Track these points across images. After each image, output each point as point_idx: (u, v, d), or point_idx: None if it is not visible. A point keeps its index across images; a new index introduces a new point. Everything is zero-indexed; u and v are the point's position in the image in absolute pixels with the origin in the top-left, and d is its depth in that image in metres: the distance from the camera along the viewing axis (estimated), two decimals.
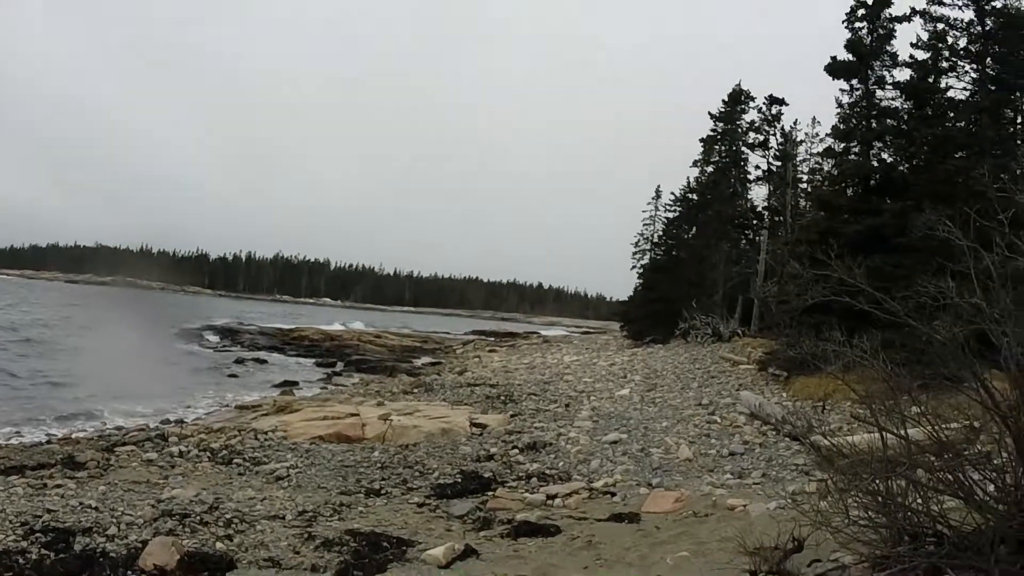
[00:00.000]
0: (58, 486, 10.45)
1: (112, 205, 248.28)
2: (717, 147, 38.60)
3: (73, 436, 15.18)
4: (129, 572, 7.48)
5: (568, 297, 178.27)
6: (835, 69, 24.19)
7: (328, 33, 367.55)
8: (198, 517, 9.33)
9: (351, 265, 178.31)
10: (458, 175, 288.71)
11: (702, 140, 39.09)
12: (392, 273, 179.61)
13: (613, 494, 11.32)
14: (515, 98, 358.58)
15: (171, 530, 8.76)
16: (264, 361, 34.70)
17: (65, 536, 8.27)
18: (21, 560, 7.53)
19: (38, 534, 8.30)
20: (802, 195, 36.06)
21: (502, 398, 20.45)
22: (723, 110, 38.11)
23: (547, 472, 12.67)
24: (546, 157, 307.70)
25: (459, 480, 12.09)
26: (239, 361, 34.20)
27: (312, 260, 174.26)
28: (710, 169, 38.95)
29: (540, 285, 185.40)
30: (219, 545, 8.43)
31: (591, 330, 75.86)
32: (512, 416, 17.55)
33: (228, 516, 9.49)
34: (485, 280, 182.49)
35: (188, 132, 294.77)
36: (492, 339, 56.15)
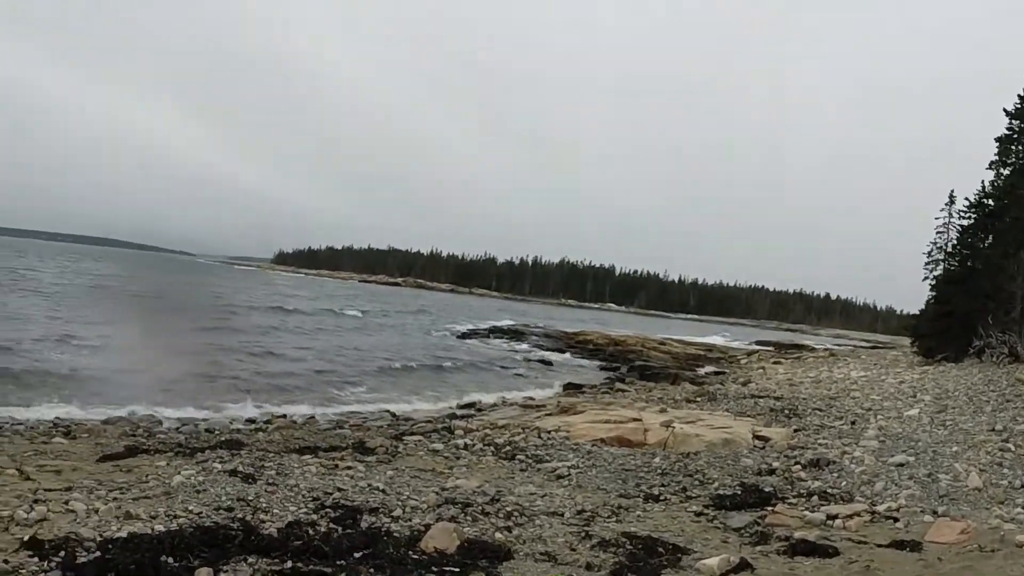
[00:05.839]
0: (348, 468, 11.13)
1: (403, 210, 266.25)
2: (1014, 147, 35.13)
3: (365, 423, 16.51)
4: (410, 552, 7.82)
5: (856, 309, 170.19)
6: None
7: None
8: (479, 507, 9.65)
9: (635, 271, 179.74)
10: (746, 189, 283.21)
11: (997, 139, 35.65)
12: (676, 280, 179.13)
13: (896, 519, 10.77)
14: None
15: (453, 517, 9.12)
16: (548, 362, 35.52)
17: (352, 513, 8.86)
18: (311, 531, 8.12)
19: (328, 509, 8.96)
20: None
21: (786, 411, 19.85)
22: (1019, 106, 34.59)
23: (829, 491, 12.18)
24: (837, 171, 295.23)
25: (739, 492, 11.89)
26: (524, 361, 35.43)
27: (598, 266, 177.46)
28: (1006, 172, 35.53)
29: (827, 296, 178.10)
30: (498, 535, 8.65)
31: (880, 344, 71.32)
32: (796, 431, 17.04)
33: (508, 509, 9.72)
34: (771, 289, 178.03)
35: (475, 138, 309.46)
36: (777, 350, 54.49)
